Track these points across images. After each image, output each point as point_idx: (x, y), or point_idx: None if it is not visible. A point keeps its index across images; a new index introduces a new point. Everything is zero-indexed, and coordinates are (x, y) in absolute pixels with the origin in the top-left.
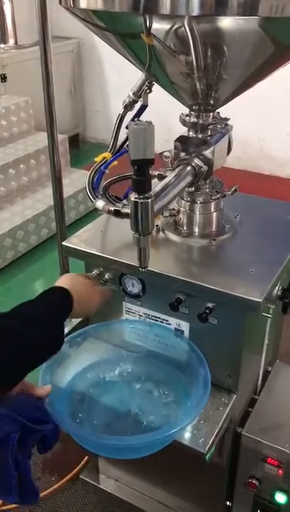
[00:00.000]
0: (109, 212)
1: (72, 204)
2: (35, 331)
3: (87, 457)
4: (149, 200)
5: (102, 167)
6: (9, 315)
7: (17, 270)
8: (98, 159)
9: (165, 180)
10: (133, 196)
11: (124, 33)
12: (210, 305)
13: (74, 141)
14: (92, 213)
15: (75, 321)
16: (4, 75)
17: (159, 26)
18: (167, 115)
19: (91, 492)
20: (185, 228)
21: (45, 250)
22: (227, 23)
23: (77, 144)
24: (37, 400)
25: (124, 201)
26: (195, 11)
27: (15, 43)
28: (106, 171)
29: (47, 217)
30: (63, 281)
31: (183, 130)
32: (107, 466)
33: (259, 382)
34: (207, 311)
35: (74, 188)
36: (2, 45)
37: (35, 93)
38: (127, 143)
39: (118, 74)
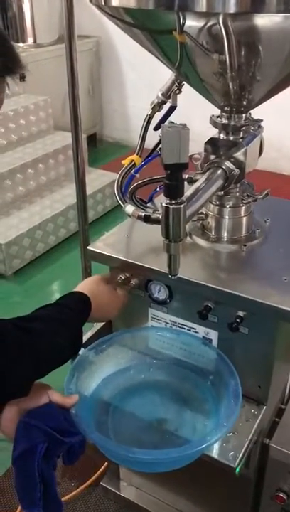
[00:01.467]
0: (138, 217)
1: (90, 204)
2: (54, 334)
3: (106, 463)
4: (181, 206)
5: (133, 171)
6: (30, 317)
7: (35, 271)
8: (125, 162)
9: (196, 185)
10: (164, 202)
11: (154, 30)
12: (241, 314)
13: (92, 140)
14: (110, 213)
15: (98, 325)
16: (23, 73)
17: (192, 24)
18: (187, 115)
19: (111, 499)
20: (213, 233)
21: (63, 251)
22: (264, 21)
23: (95, 143)
24: (64, 409)
25: (149, 204)
26: (232, 8)
27: (34, 41)
28: (137, 175)
29: (65, 217)
30: (85, 286)
31: (204, 130)
32: (129, 473)
33: (287, 391)
34: (238, 320)
35: (92, 187)
36: (21, 44)
37: (54, 92)
38: (160, 146)
39: (136, 73)
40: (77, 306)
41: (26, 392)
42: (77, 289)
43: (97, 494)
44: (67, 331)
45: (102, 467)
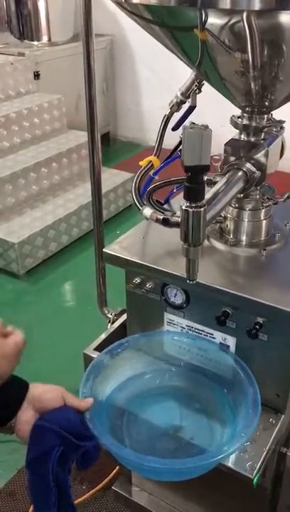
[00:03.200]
0: (157, 220)
1: (103, 204)
2: None
3: (118, 467)
4: (202, 209)
5: (152, 173)
6: None
7: (48, 270)
8: (143, 163)
9: (216, 187)
10: (184, 204)
11: (175, 27)
12: (260, 320)
13: (105, 139)
14: (123, 213)
15: (111, 328)
16: (38, 72)
17: (214, 21)
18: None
19: (123, 504)
20: (231, 236)
21: (76, 250)
22: (288, 18)
23: (108, 142)
24: (79, 413)
25: (166, 206)
26: (257, 5)
27: (49, 40)
28: (156, 177)
29: (78, 216)
30: None
31: (218, 127)
32: (141, 478)
33: None
34: (257, 326)
35: (105, 187)
36: (36, 42)
37: (67, 91)
38: (180, 147)
39: (150, 71)
40: None
41: None
42: None
43: (108, 498)
44: None
45: (114, 471)
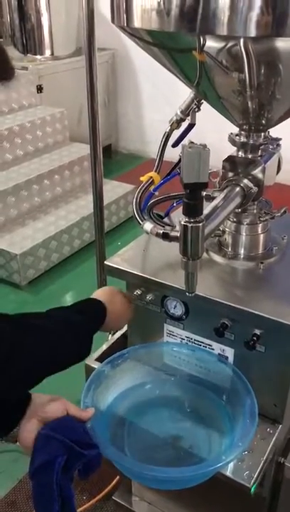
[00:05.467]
0: (157, 235)
1: (104, 215)
2: (65, 334)
3: (118, 477)
4: (200, 224)
5: (153, 189)
6: (36, 315)
7: (49, 281)
8: (144, 179)
9: (214, 202)
10: (183, 220)
11: (174, 49)
12: (257, 332)
13: (107, 151)
14: (124, 224)
15: (112, 339)
16: (40, 85)
17: (213, 44)
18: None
19: None
20: (230, 249)
21: (77, 261)
22: (283, 43)
23: (110, 154)
24: (81, 422)
25: (166, 219)
26: (253, 32)
27: (52, 54)
28: (156, 193)
29: (80, 228)
30: (101, 294)
31: (217, 142)
32: (141, 488)
33: None
34: (255, 337)
35: (107, 198)
36: (39, 57)
37: (69, 104)
38: (179, 165)
39: (151, 85)
40: (91, 312)
41: (20, 394)
42: (93, 296)
43: (108, 508)
44: (74, 334)
45: (114, 481)
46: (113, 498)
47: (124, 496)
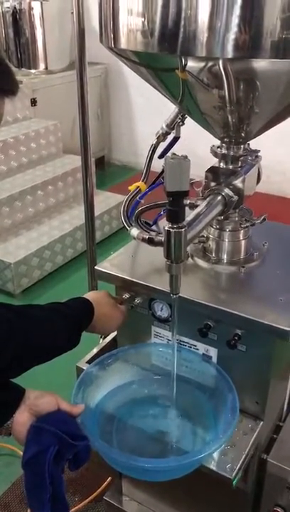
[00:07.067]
0: (143, 240)
1: (97, 225)
2: (50, 322)
3: (110, 478)
4: (183, 230)
5: (138, 197)
6: (30, 304)
7: (43, 289)
8: (132, 188)
9: (197, 210)
10: (167, 225)
11: (158, 68)
12: (238, 332)
13: (100, 163)
14: (116, 234)
15: (103, 342)
16: (34, 99)
17: (193, 64)
18: (193, 141)
19: None
20: (213, 255)
21: (70, 270)
22: (260, 64)
23: (103, 166)
24: (71, 417)
25: (154, 227)
26: (230, 53)
27: (46, 68)
28: (142, 201)
29: (73, 237)
30: (90, 295)
31: (206, 155)
32: (131, 488)
33: (285, 409)
34: (236, 337)
35: (99, 209)
36: (33, 71)
37: (63, 117)
38: (163, 175)
39: (143, 98)
40: (79, 308)
41: (15, 375)
42: (84, 296)
43: (99, 509)
44: (66, 323)
45: (105, 482)
46: (104, 498)
47: (114, 496)
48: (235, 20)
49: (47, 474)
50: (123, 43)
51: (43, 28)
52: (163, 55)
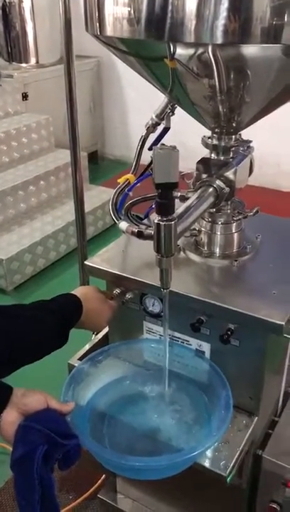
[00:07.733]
0: (132, 233)
1: (90, 220)
2: (37, 320)
3: (104, 476)
4: (172, 223)
5: (127, 190)
6: (14, 305)
7: (36, 286)
8: (121, 181)
9: (188, 202)
10: (156, 218)
11: (147, 57)
12: (231, 326)
13: (93, 157)
14: (110, 229)
15: (95, 339)
16: (26, 93)
17: (182, 52)
18: (184, 133)
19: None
20: (205, 248)
21: (63, 266)
22: (250, 50)
23: (96, 161)
24: (61, 415)
25: (145, 221)
26: (219, 39)
27: (37, 62)
28: (130, 194)
29: (66, 233)
30: (78, 291)
31: (198, 147)
32: (125, 486)
33: (280, 403)
34: (229, 332)
35: (92, 204)
36: (24, 65)
37: (55, 111)
38: (152, 166)
39: (136, 92)
40: (67, 304)
41: (4, 375)
42: (72, 292)
43: (94, 507)
44: (53, 319)
45: (100, 480)
46: (98, 496)
47: (109, 494)
48: (225, 4)
49: (35, 475)
50: (109, 30)
51: (33, 21)
52: (151, 42)
